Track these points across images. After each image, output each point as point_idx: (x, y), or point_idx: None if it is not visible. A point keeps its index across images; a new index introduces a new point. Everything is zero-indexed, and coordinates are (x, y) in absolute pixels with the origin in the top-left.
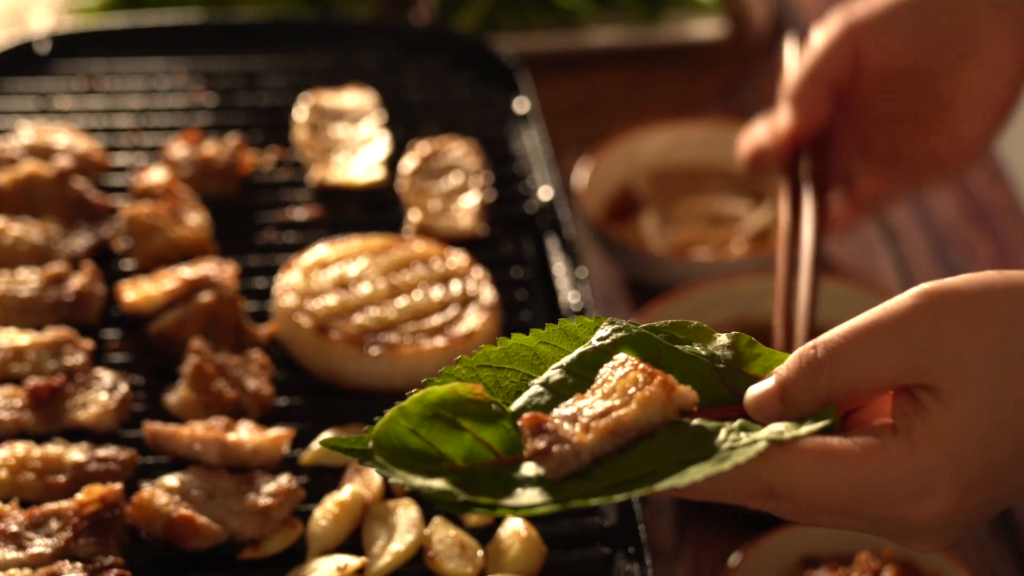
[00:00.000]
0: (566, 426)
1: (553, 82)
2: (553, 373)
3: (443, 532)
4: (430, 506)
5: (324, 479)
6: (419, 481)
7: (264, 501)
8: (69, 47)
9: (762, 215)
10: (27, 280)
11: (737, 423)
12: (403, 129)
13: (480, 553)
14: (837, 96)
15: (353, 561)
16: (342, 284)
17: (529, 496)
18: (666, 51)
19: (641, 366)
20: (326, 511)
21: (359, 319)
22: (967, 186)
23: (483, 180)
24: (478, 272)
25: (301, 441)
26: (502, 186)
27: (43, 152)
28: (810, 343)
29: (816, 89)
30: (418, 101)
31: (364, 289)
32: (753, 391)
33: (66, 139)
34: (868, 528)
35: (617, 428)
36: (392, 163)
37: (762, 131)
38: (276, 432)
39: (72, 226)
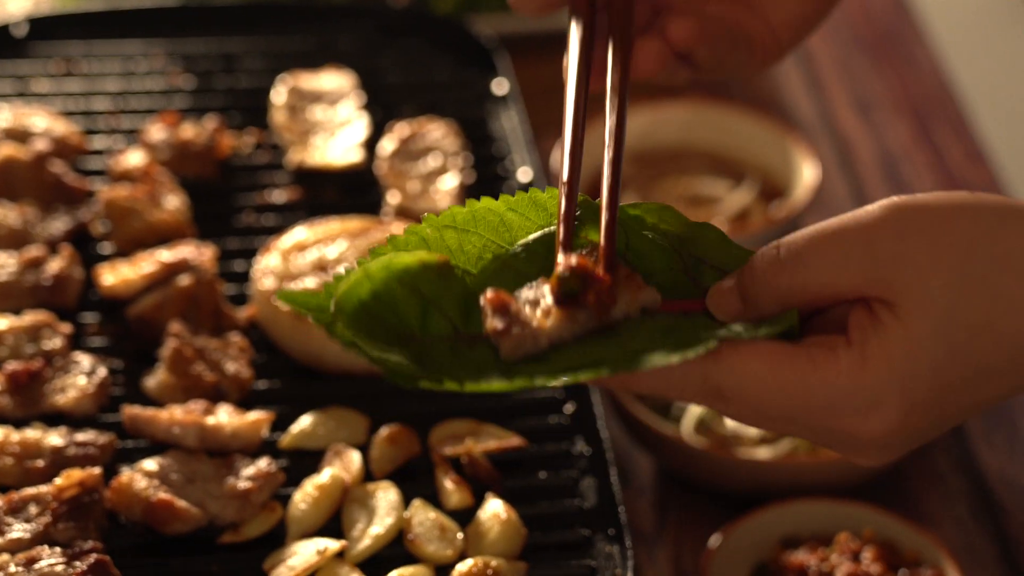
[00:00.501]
0: (527, 309)
1: (532, 63)
2: (518, 249)
3: (423, 515)
4: (410, 489)
5: (304, 462)
6: (376, 352)
7: (243, 485)
8: (46, 30)
9: (742, 196)
10: (4, 264)
11: (696, 322)
12: (381, 111)
13: (460, 535)
14: None
15: (333, 544)
16: (321, 267)
17: (484, 375)
18: None
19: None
20: (306, 494)
21: None
22: (947, 166)
23: (462, 162)
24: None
25: (281, 424)
26: (481, 167)
27: (20, 135)
28: (773, 243)
29: None
30: (396, 83)
31: (343, 272)
32: (715, 288)
33: (43, 122)
34: (812, 437)
35: (577, 316)
36: (371, 145)
37: None
38: (255, 415)
39: (50, 209)
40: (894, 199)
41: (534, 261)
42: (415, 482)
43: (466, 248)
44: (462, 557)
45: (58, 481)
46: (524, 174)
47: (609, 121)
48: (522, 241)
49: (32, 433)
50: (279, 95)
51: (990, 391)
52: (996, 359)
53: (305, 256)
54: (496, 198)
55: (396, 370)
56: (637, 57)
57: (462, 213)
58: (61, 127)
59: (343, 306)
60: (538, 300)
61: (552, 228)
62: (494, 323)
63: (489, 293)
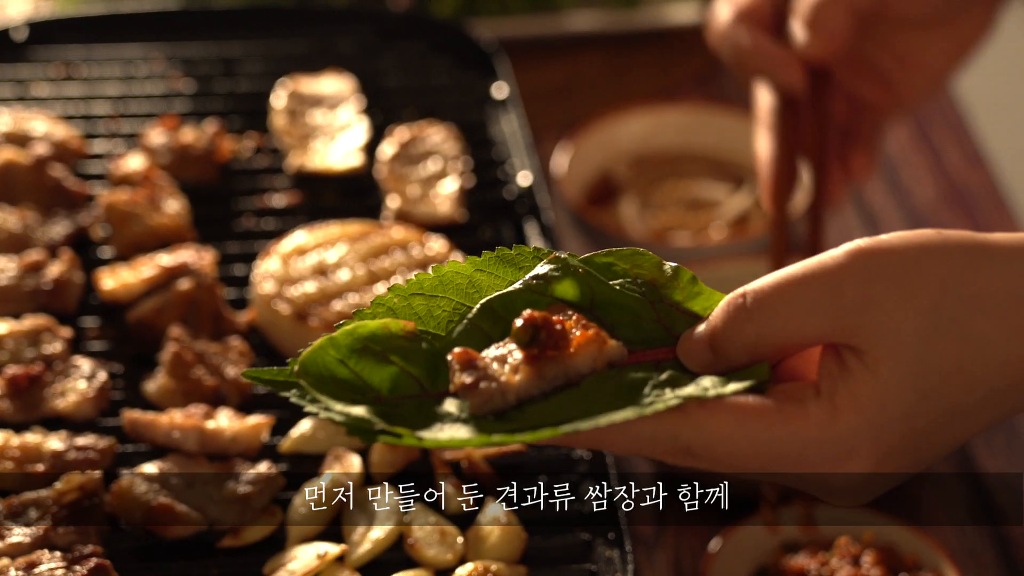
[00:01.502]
0: (495, 365)
1: (532, 67)
2: (478, 311)
3: (423, 519)
4: (410, 493)
5: (304, 466)
6: (339, 407)
7: (243, 489)
8: (46, 34)
9: (741, 199)
10: (4, 268)
11: (665, 375)
12: (381, 115)
13: (460, 540)
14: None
15: (333, 549)
16: (321, 271)
17: (448, 431)
18: (645, 35)
19: (573, 317)
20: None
21: (338, 306)
22: (945, 169)
23: (462, 166)
24: (457, 258)
25: (280, 429)
26: (481, 171)
27: (20, 140)
28: (739, 290)
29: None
30: (396, 87)
31: (343, 276)
32: (684, 338)
33: (43, 126)
34: (789, 483)
35: (544, 372)
36: (370, 149)
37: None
38: (255, 420)
39: (50, 214)
40: (859, 243)
41: (498, 321)
42: (415, 486)
43: (435, 313)
44: (462, 561)
45: (58, 485)
46: (524, 178)
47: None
48: (484, 300)
49: (32, 437)
50: (279, 99)
51: (965, 429)
52: (968, 400)
53: (305, 260)
54: (495, 203)
55: (358, 424)
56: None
57: (429, 279)
58: (61, 131)
59: (307, 368)
60: (505, 357)
61: (514, 287)
62: (462, 378)
63: (456, 350)
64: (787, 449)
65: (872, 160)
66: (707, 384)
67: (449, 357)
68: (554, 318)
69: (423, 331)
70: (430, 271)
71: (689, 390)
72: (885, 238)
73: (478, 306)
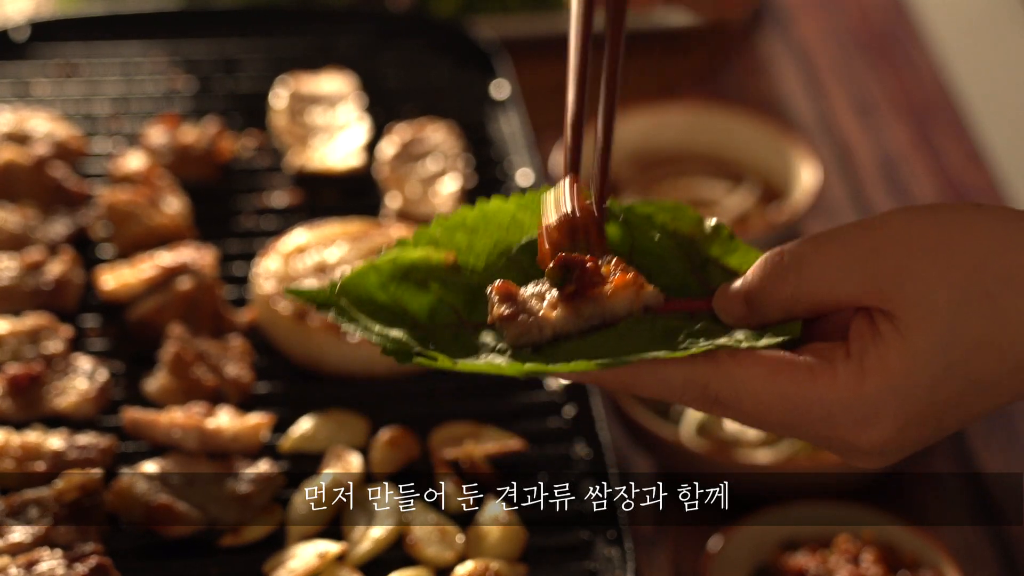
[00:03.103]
0: (534, 301)
1: (532, 66)
2: (524, 245)
3: (423, 517)
4: (410, 492)
5: (304, 465)
6: (378, 328)
7: (244, 487)
8: (47, 33)
9: (742, 198)
10: (5, 267)
11: (700, 325)
12: (382, 114)
13: (460, 538)
14: None
15: (333, 547)
16: (321, 269)
17: (484, 359)
18: (645, 35)
19: (612, 260)
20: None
21: None
22: (945, 169)
23: (462, 165)
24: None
25: (281, 427)
26: (481, 170)
27: (21, 139)
28: (777, 248)
29: None
30: (396, 86)
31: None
32: (721, 291)
33: (44, 125)
34: (810, 441)
35: (582, 311)
36: (370, 148)
37: None
38: (256, 418)
39: (50, 212)
40: (901, 209)
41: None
42: (415, 485)
43: (476, 248)
44: (462, 560)
45: (59, 484)
46: (524, 176)
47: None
48: (527, 238)
49: (33, 436)
50: (279, 99)
51: (988, 402)
52: (994, 374)
53: (305, 259)
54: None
55: (395, 345)
56: None
57: (472, 214)
58: (62, 130)
59: (348, 290)
60: (544, 295)
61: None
62: (500, 309)
63: (497, 283)
64: (813, 407)
65: None
66: (740, 336)
67: (489, 289)
68: (587, 258)
69: (463, 264)
70: (474, 206)
71: (722, 340)
72: (928, 207)
73: (520, 243)
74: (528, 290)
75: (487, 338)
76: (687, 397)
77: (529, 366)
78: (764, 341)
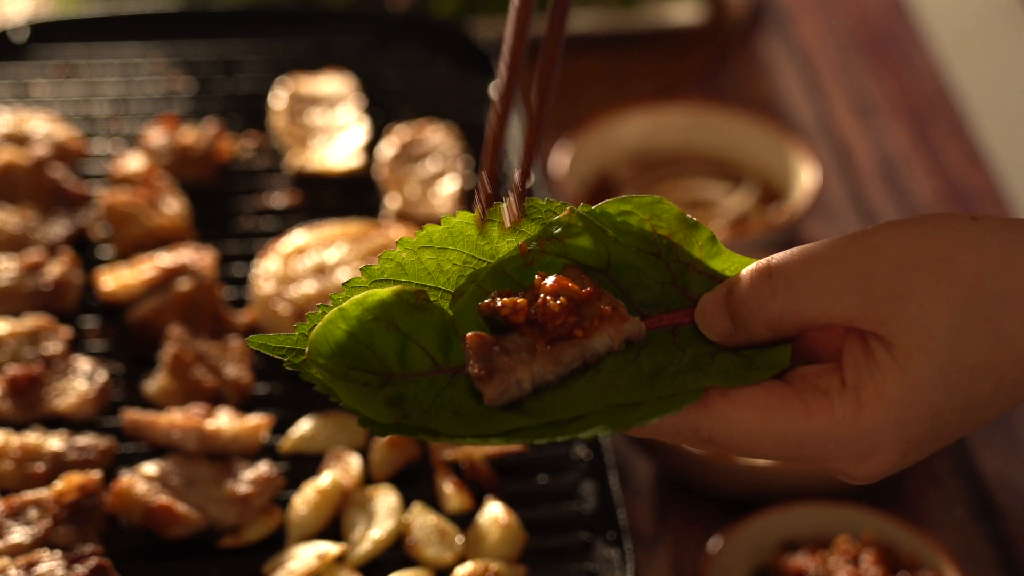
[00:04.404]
0: (511, 346)
1: (531, 66)
2: (489, 274)
3: (423, 519)
4: (410, 493)
5: (303, 466)
6: (350, 400)
7: (243, 489)
8: (47, 34)
9: (741, 199)
10: (5, 268)
11: (686, 359)
12: (381, 115)
13: (460, 539)
14: None
15: (333, 548)
16: (320, 270)
17: (460, 420)
18: (644, 35)
19: (587, 290)
20: (305, 498)
21: None
22: (945, 169)
23: (461, 165)
24: None
25: (280, 428)
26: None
27: (20, 140)
28: (764, 263)
29: None
30: (395, 87)
31: (342, 275)
32: (703, 304)
33: (43, 127)
34: (807, 468)
35: (561, 357)
36: (370, 149)
37: None
38: (255, 419)
39: (50, 214)
40: (894, 223)
41: (512, 285)
42: (415, 486)
43: (445, 268)
44: (462, 561)
45: (58, 485)
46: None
47: None
48: (495, 262)
49: (32, 437)
50: (278, 99)
51: (988, 415)
52: (996, 392)
53: (304, 260)
54: (495, 203)
55: (370, 418)
56: None
57: (438, 231)
58: (61, 131)
59: (318, 346)
60: (519, 342)
61: (529, 244)
62: (477, 369)
63: (470, 335)
64: (809, 443)
65: None
66: (729, 367)
67: (464, 343)
68: (515, 301)
69: (434, 287)
70: (440, 222)
71: (712, 376)
72: (920, 219)
73: (489, 269)
74: (501, 337)
75: (465, 390)
76: (679, 439)
77: (517, 437)
78: (754, 375)
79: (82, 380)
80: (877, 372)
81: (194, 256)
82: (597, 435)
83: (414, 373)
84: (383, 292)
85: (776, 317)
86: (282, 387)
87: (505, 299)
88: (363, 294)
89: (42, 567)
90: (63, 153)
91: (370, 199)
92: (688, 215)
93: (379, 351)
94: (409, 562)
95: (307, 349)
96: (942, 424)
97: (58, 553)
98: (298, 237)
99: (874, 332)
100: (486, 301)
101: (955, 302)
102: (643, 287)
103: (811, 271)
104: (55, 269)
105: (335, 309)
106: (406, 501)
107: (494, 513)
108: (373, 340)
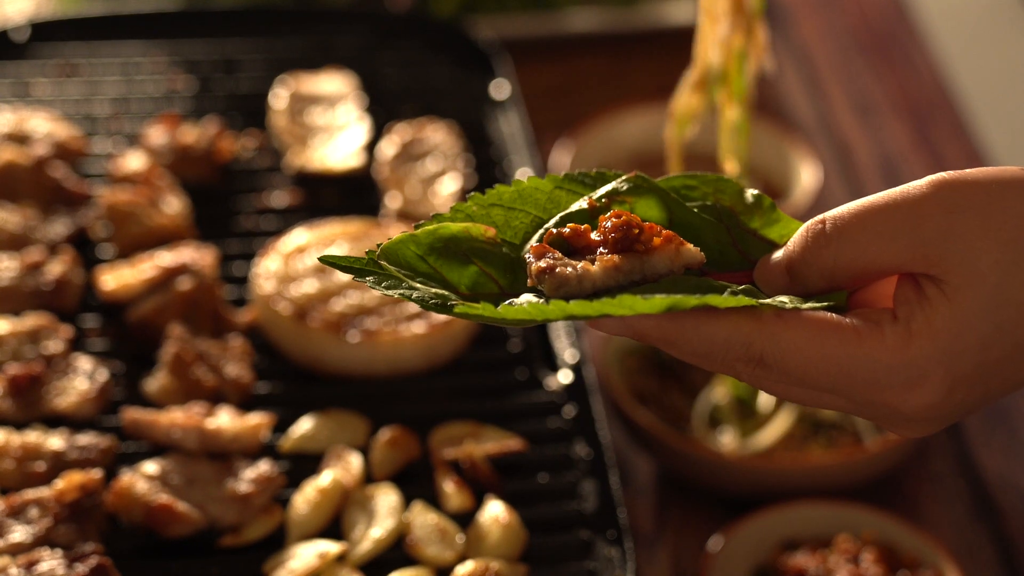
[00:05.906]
0: (573, 258)
1: (532, 66)
2: (559, 219)
3: (423, 518)
4: (411, 492)
5: (304, 465)
6: (420, 284)
7: (244, 488)
8: (47, 33)
9: None
10: (5, 267)
11: (743, 287)
12: (382, 114)
13: (460, 538)
14: None
15: (333, 547)
16: (321, 269)
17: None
18: (644, 35)
19: (647, 224)
20: (306, 497)
21: (338, 305)
22: (945, 169)
23: (462, 164)
24: None
25: (281, 427)
26: (481, 170)
27: (21, 139)
28: (819, 217)
29: None
30: (396, 86)
31: (343, 275)
32: (762, 262)
33: (44, 126)
34: (853, 409)
35: (622, 266)
36: (370, 148)
37: None
38: (256, 419)
39: (50, 213)
40: (942, 174)
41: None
42: (415, 485)
43: (512, 224)
44: (462, 560)
45: (59, 484)
46: (523, 176)
47: None
48: (563, 212)
49: (33, 436)
50: (279, 99)
51: None
52: None
53: (305, 259)
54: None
55: (436, 298)
56: None
57: (508, 191)
58: (62, 130)
59: (387, 257)
60: (582, 253)
61: (598, 194)
62: (539, 264)
63: (533, 243)
64: (859, 369)
65: None
66: (784, 300)
67: (526, 250)
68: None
69: (502, 239)
70: (510, 184)
71: (767, 302)
72: (968, 172)
73: (557, 217)
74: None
75: (527, 299)
76: (730, 356)
77: (574, 305)
78: (809, 304)
79: (83, 379)
80: (927, 306)
81: (195, 255)
82: (653, 310)
83: (480, 294)
84: (455, 227)
85: (830, 266)
86: (282, 386)
87: (571, 224)
88: (435, 225)
89: (43, 566)
90: (64, 152)
91: (370, 198)
92: (749, 191)
93: (447, 275)
94: (410, 561)
95: (378, 253)
96: (990, 361)
97: (59, 552)
98: (299, 236)
99: (925, 273)
100: (553, 231)
101: (1003, 240)
102: (704, 246)
103: (862, 220)
104: (56, 268)
105: (406, 233)
106: (407, 500)
107: (495, 512)
108: (442, 266)
